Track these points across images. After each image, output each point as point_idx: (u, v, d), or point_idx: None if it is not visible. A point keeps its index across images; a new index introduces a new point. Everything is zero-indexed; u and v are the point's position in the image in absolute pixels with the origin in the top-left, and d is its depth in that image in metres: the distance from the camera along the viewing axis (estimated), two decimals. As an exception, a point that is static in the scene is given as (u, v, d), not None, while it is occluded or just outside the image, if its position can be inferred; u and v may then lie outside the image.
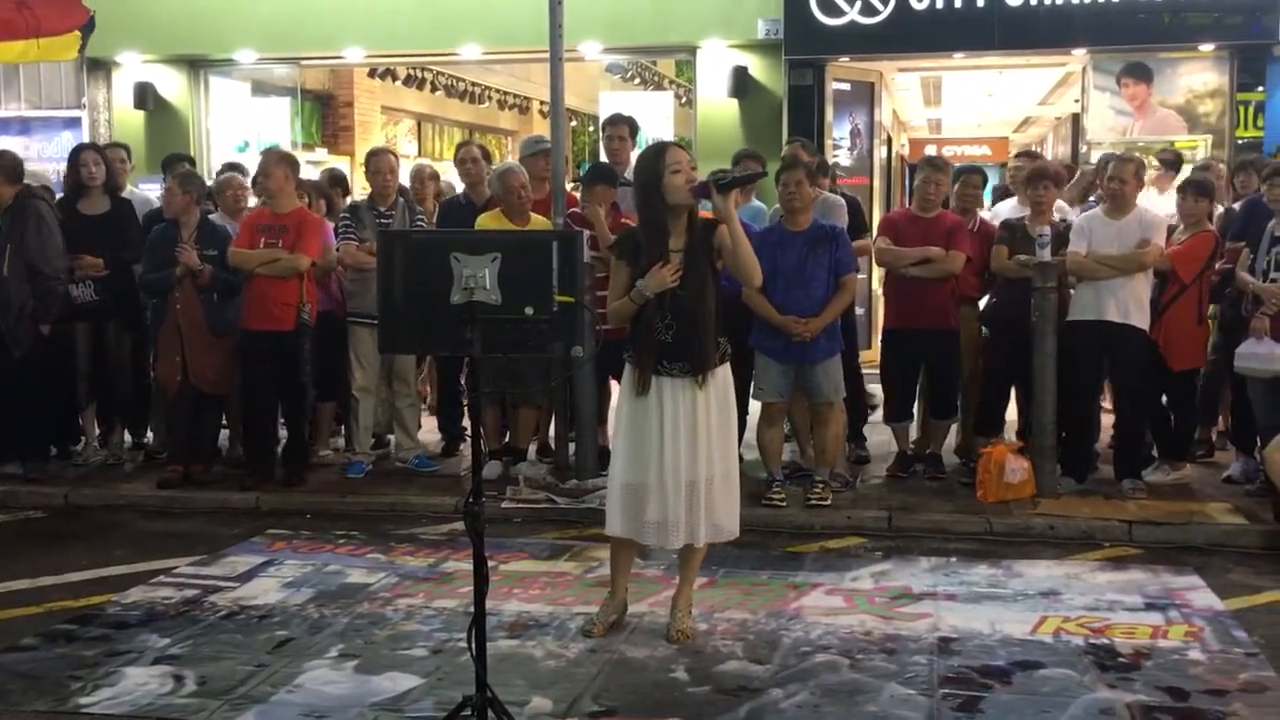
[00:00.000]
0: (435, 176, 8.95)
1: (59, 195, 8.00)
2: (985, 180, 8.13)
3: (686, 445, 4.68)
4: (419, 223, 7.46)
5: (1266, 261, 6.68)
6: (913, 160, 19.77)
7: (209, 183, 8.60)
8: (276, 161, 7.25)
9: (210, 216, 7.57)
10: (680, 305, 4.67)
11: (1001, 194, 9.23)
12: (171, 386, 7.32)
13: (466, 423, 8.21)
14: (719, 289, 4.82)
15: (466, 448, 7.98)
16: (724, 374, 4.85)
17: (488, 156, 8.17)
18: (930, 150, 19.79)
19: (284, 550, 6.26)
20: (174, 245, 7.21)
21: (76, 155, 7.84)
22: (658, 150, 4.77)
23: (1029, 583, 5.63)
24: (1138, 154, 8.83)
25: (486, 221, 7.15)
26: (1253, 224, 7.05)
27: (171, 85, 13.05)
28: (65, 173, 7.99)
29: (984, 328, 7.41)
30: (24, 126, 13.07)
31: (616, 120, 7.93)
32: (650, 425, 4.70)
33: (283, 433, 7.57)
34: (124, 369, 7.86)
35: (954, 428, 7.62)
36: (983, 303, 7.50)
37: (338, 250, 7.52)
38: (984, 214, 7.94)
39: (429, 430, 8.31)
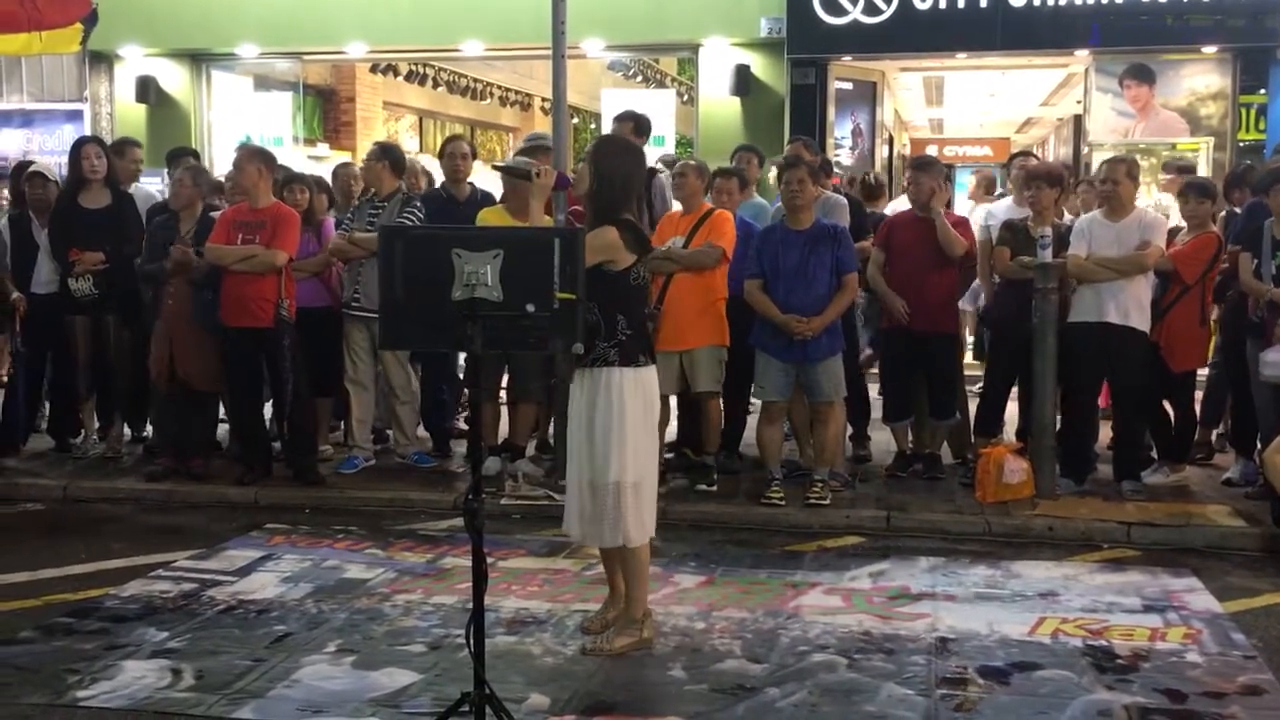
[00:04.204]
0: (427, 173, 9.02)
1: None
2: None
3: (572, 440, 4.73)
4: (408, 213, 7.37)
5: (1275, 266, 6.58)
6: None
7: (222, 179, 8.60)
8: (249, 157, 7.19)
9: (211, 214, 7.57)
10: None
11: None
12: (161, 381, 7.31)
13: (458, 419, 8.21)
14: (613, 290, 4.54)
15: (461, 444, 7.98)
16: (606, 377, 4.55)
17: (475, 154, 8.26)
18: (931, 150, 19.78)
19: (283, 545, 6.26)
20: (172, 237, 7.20)
21: (79, 149, 7.81)
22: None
23: (1027, 583, 5.63)
24: (1135, 155, 8.82)
25: (488, 217, 7.13)
26: (1253, 225, 7.02)
27: (173, 79, 13.05)
28: (67, 166, 7.98)
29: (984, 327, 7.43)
30: (26, 119, 13.06)
31: (622, 118, 7.98)
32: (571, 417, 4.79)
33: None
34: (123, 363, 7.86)
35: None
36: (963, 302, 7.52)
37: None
38: (980, 211, 7.92)
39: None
